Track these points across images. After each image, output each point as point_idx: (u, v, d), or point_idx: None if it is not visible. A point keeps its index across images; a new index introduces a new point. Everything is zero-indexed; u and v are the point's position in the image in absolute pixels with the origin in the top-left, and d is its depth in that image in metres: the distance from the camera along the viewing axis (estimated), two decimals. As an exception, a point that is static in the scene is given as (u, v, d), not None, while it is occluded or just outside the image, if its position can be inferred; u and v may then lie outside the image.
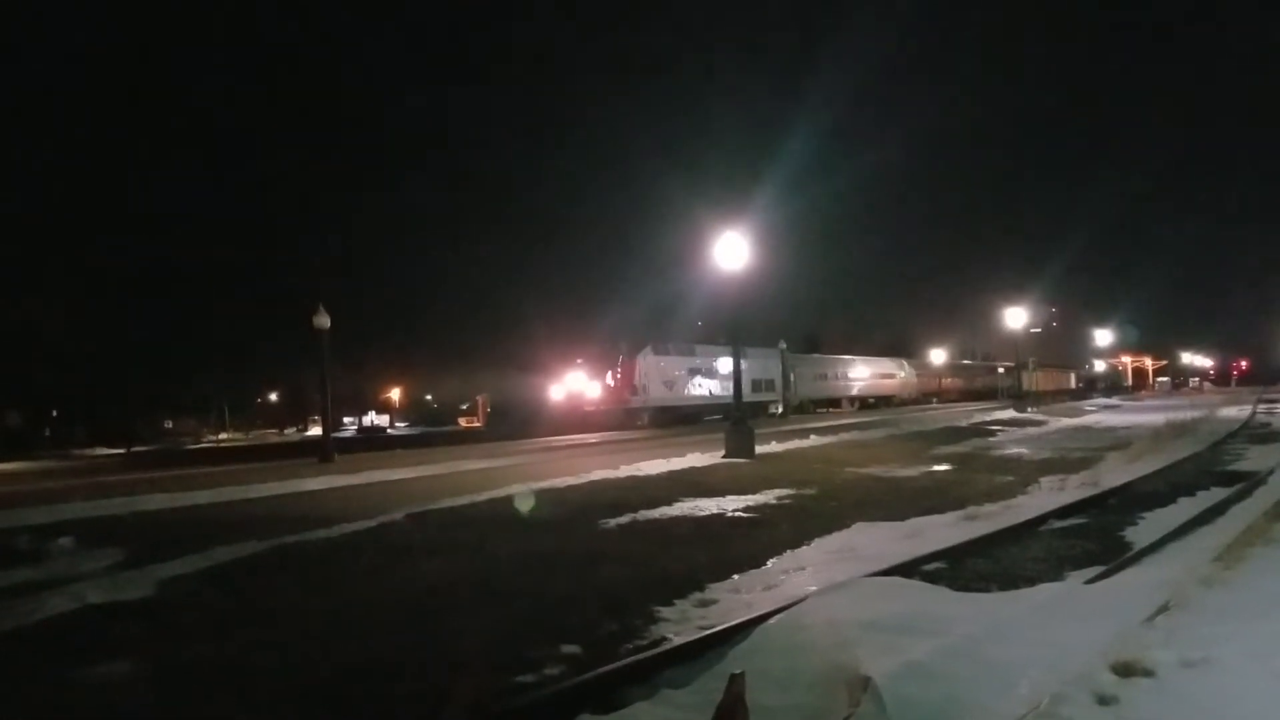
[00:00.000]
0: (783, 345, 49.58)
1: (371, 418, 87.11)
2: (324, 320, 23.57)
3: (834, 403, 55.66)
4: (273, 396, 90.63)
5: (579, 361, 38.95)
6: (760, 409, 45.27)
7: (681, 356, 42.26)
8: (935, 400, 68.71)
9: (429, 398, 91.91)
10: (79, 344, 38.87)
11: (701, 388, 42.95)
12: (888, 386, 64.33)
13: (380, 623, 6.70)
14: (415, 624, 6.65)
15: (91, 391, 38.25)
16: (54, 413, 42.65)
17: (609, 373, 38.34)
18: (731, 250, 19.28)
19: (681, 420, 39.59)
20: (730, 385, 41.75)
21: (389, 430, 69.96)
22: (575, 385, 38.84)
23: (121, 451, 32.57)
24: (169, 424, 44.65)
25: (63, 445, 37.68)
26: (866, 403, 59.23)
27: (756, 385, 45.09)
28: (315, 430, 33.13)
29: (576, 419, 36.48)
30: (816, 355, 59.47)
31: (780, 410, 48.46)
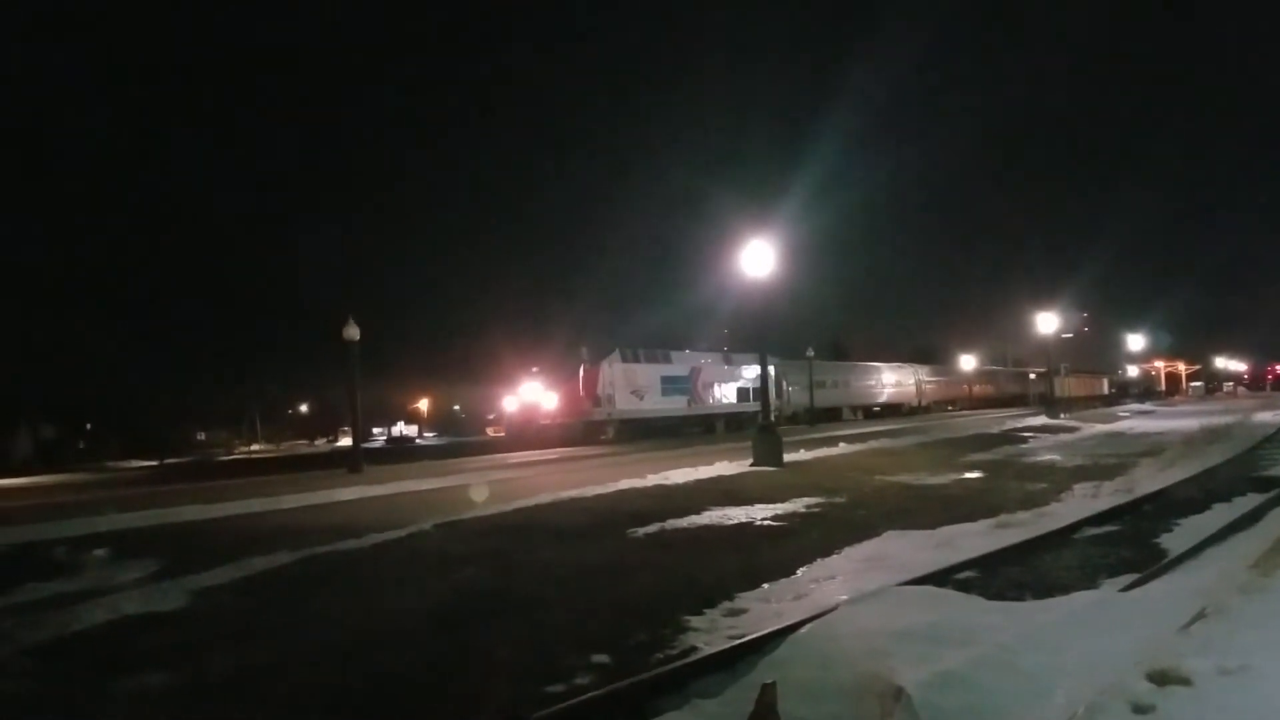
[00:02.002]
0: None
1: (400, 428, 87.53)
2: (353, 332, 23.79)
3: (833, 413, 51.08)
4: (303, 408, 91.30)
5: (534, 370, 35.20)
6: (748, 420, 40.13)
7: (653, 364, 38.00)
8: (950, 407, 66.50)
9: (456, 407, 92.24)
10: (112, 357, 39.41)
11: (680, 398, 39.08)
12: (895, 394, 60.57)
13: (410, 632, 6.73)
14: (446, 633, 6.67)
15: (125, 404, 38.66)
16: (88, 425, 43.13)
17: (568, 382, 34.31)
18: (758, 258, 19.25)
19: (654, 434, 35.85)
20: (718, 394, 41.22)
21: (417, 440, 70.29)
22: (530, 396, 34.93)
23: (154, 463, 32.92)
24: (201, 435, 45.09)
25: (96, 457, 38.11)
26: (871, 411, 55.72)
27: (744, 394, 42.64)
28: (345, 441, 33.32)
29: (531, 434, 33.06)
30: (813, 361, 53.58)
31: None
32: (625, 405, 35.51)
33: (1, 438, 31.63)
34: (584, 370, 34.29)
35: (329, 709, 5.26)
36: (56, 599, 8.05)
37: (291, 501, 15.90)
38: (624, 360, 35.99)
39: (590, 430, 33.89)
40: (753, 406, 41.34)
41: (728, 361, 42.57)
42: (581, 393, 33.99)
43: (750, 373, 42.18)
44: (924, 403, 63.69)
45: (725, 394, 41.70)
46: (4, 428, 32.40)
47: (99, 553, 10.08)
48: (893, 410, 57.66)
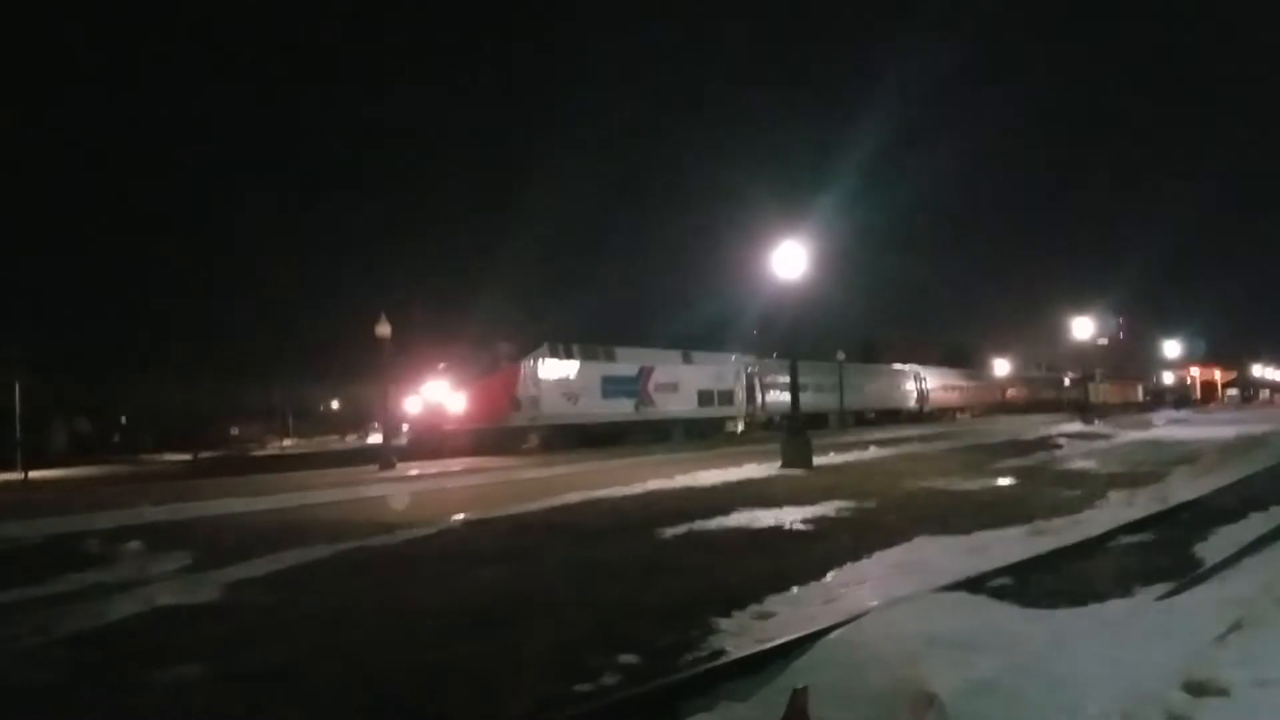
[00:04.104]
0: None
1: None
2: (385, 329, 24.05)
3: (816, 419, 42.61)
4: (334, 404, 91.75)
5: (441, 366, 30.34)
6: (713, 426, 38.24)
7: (592, 361, 33.20)
8: (959, 412, 64.06)
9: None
10: (147, 351, 39.92)
11: (625, 401, 34.21)
12: (895, 398, 56.36)
13: (438, 629, 6.76)
14: (473, 631, 6.69)
15: (159, 398, 39.13)
16: (122, 419, 43.66)
17: (482, 381, 29.44)
18: (789, 259, 19.19)
19: (592, 442, 31.10)
20: (674, 397, 36.10)
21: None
22: (435, 397, 29.68)
23: (189, 457, 33.26)
24: (235, 430, 45.55)
25: (131, 451, 38.56)
26: (864, 418, 50.33)
27: (706, 398, 37.96)
28: (376, 438, 33.39)
29: (433, 441, 28.54)
30: (804, 362, 50.28)
31: (741, 428, 40.31)
32: (554, 409, 31.12)
33: (37, 431, 32.02)
34: (502, 367, 30.20)
35: (355, 704, 5.29)
36: (91, 590, 8.16)
37: (323, 496, 16.08)
38: (554, 356, 31.70)
39: (510, 437, 29.49)
40: (718, 411, 38.82)
41: (687, 360, 37.86)
42: (498, 394, 29.63)
43: (714, 373, 38.80)
44: (929, 408, 59.44)
45: (683, 397, 36.93)
46: (40, 421, 32.81)
47: (133, 545, 10.21)
48: (892, 417, 52.57)
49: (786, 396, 41.71)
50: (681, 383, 36.74)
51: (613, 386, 33.69)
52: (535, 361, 30.63)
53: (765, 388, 42.71)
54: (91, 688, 5.53)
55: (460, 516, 12.40)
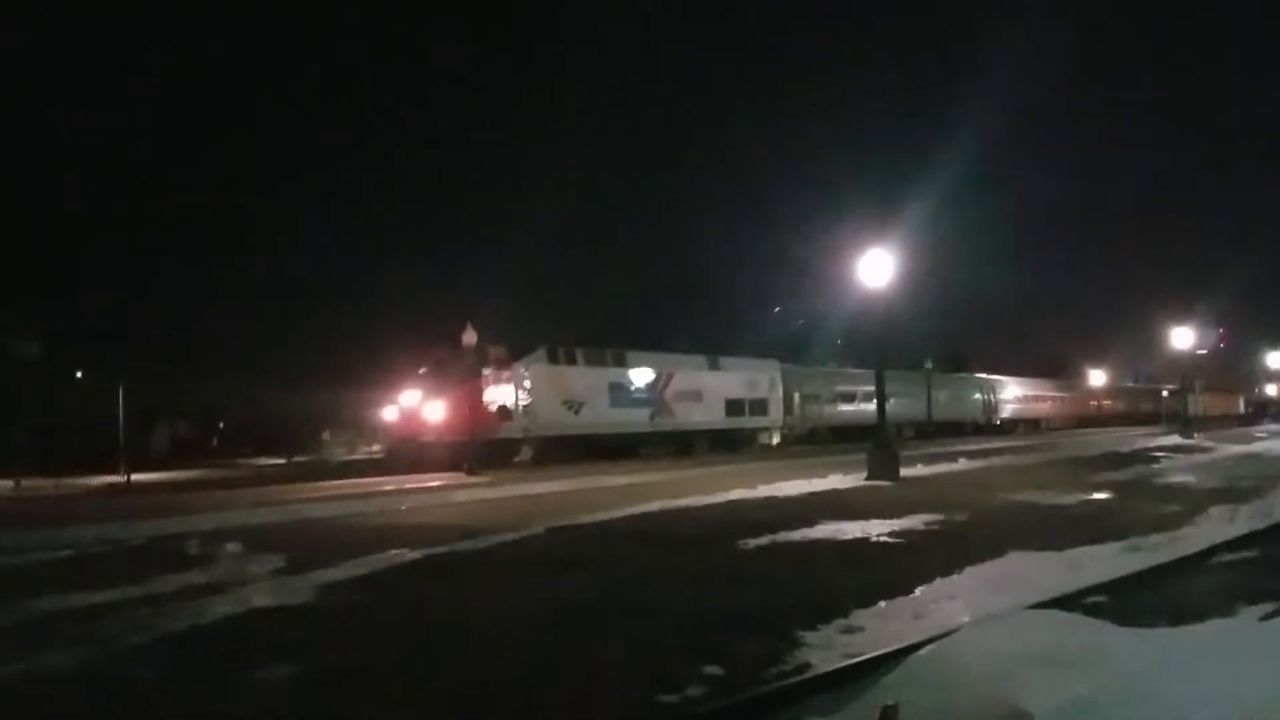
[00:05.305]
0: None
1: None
2: (470, 338, 24.50)
3: (865, 429, 39.52)
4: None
5: (422, 371, 27.98)
6: (742, 438, 35.48)
7: (597, 367, 30.58)
8: (1051, 425, 61.49)
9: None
10: (244, 358, 41.14)
11: (639, 410, 31.67)
12: (976, 409, 52.88)
13: (522, 633, 6.81)
14: (556, 637, 6.73)
15: (256, 404, 40.33)
16: (220, 424, 45.04)
17: (468, 387, 26.53)
18: (877, 267, 18.93)
19: (598, 455, 28.36)
20: (698, 407, 33.75)
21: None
22: (413, 405, 27.52)
23: (283, 461, 34.16)
24: (326, 435, 46.65)
25: (229, 455, 39.79)
26: (946, 429, 46.08)
27: (735, 407, 35.14)
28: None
29: (411, 454, 26.41)
30: (831, 370, 45.49)
31: (776, 440, 37.71)
32: (552, 419, 28.61)
33: (141, 434, 33.23)
34: (491, 373, 27.69)
35: (443, 706, 5.35)
36: (188, 590, 8.41)
37: (411, 500, 16.38)
38: (551, 361, 29.21)
39: (499, 450, 26.80)
40: (748, 421, 35.98)
41: (713, 366, 35.08)
42: (485, 402, 27.18)
43: (745, 380, 35.90)
44: (1015, 419, 56.07)
45: (708, 406, 34.23)
46: (143, 425, 34.06)
47: (231, 547, 10.52)
48: (954, 430, 47.55)
49: (830, 408, 41.61)
50: (706, 390, 34.19)
51: (624, 394, 31.24)
52: (527, 366, 28.09)
53: (806, 398, 39.81)
54: (192, 685, 5.70)
55: (543, 524, 12.49)
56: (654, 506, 13.98)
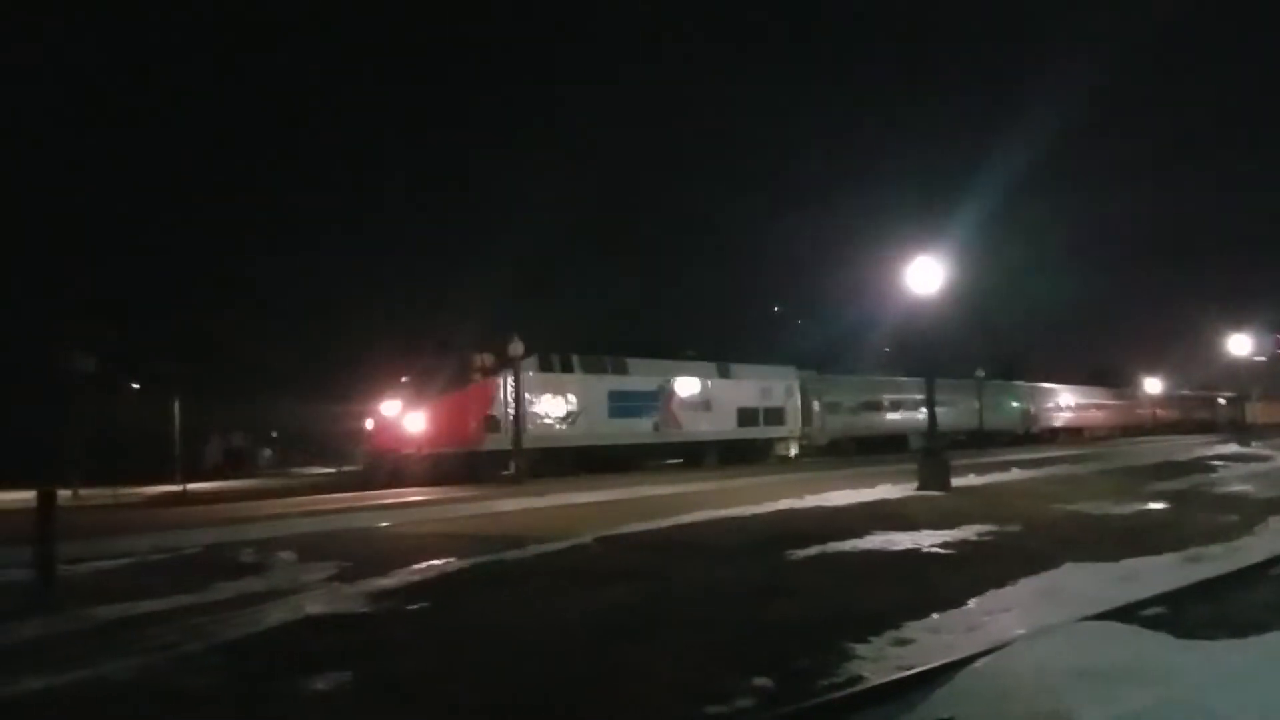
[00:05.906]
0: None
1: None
2: (517, 348, 24.63)
3: (893, 440, 38.87)
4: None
5: (403, 379, 26.66)
6: (756, 449, 33.92)
7: (595, 375, 29.15)
8: (1105, 433, 60.13)
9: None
10: (295, 370, 41.66)
11: (642, 420, 30.20)
12: (1026, 417, 51.65)
13: (570, 643, 6.83)
14: (604, 647, 6.73)
15: (307, 415, 40.84)
16: (273, 434, 45.63)
17: (452, 397, 25.57)
18: (925, 274, 18.73)
19: (598, 467, 27.60)
20: (706, 416, 32.32)
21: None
22: (392, 415, 25.66)
23: (332, 471, 34.55)
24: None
25: (282, 465, 40.36)
26: (956, 440, 41.06)
27: (748, 416, 33.53)
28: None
29: (389, 468, 24.59)
30: (856, 378, 43.16)
31: (794, 451, 35.94)
32: (545, 430, 27.23)
33: (195, 445, 33.79)
34: (478, 382, 26.36)
35: (492, 713, 5.37)
36: (243, 598, 8.53)
37: (458, 510, 16.48)
38: (543, 369, 27.63)
39: (487, 463, 25.44)
40: (763, 431, 34.35)
41: (724, 374, 33.51)
42: (470, 412, 25.86)
43: (759, 388, 34.32)
44: (1035, 429, 53.48)
45: (719, 416, 32.77)
46: (198, 436, 34.63)
47: (283, 555, 10.65)
48: (989, 440, 44.14)
49: (853, 417, 39.44)
50: (716, 399, 32.78)
51: (624, 404, 29.71)
52: (522, 373, 25.80)
53: (827, 406, 38.19)
54: (247, 692, 5.76)
55: (591, 533, 12.49)
56: (700, 516, 13.93)
